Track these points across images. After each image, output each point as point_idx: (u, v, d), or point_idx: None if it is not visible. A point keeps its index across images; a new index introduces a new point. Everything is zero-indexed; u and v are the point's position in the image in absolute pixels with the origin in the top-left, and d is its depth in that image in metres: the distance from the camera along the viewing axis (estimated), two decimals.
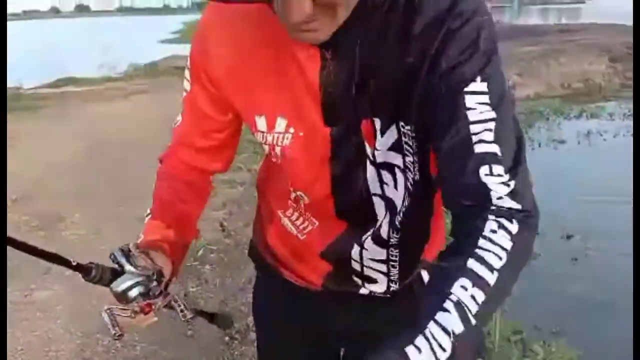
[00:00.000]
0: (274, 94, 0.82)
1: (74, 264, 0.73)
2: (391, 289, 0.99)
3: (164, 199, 0.96)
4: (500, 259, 0.65)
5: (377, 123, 0.79)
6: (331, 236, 0.95)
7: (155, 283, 0.75)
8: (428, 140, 0.77)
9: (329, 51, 0.76)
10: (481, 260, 0.64)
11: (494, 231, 0.66)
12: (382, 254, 0.94)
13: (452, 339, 0.59)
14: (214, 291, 2.95)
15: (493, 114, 0.69)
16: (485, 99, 0.69)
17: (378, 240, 0.92)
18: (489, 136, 0.68)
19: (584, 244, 3.46)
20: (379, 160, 0.83)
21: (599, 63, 8.98)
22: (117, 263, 0.74)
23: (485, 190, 0.68)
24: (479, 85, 0.69)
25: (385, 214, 0.90)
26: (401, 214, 0.89)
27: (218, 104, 0.90)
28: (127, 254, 0.74)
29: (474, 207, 0.69)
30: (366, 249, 0.93)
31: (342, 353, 1.17)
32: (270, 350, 1.21)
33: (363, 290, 1.00)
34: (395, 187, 0.86)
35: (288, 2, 0.63)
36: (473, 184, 0.68)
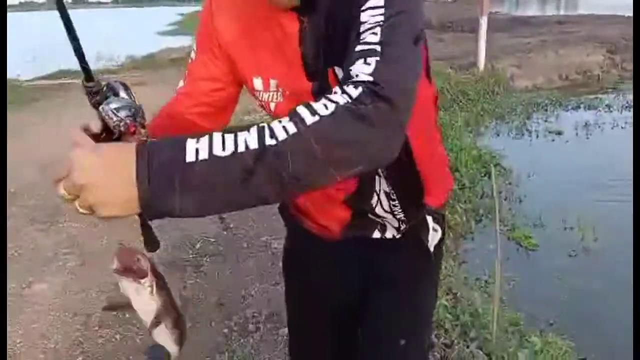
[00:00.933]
0: (267, 58, 0.96)
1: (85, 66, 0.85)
2: (401, 229, 1.09)
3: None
4: (327, 108, 0.65)
5: (338, 70, 0.87)
6: (351, 186, 1.03)
7: (141, 113, 0.80)
8: None
9: (305, 16, 0.88)
10: (308, 106, 0.66)
11: (336, 92, 0.68)
12: (386, 204, 1.05)
13: (237, 147, 0.62)
14: (213, 284, 2.95)
15: (381, 21, 0.73)
16: (379, 11, 0.74)
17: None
18: (372, 38, 0.72)
19: (582, 236, 3.47)
20: None
21: (597, 54, 8.97)
22: (112, 89, 0.83)
23: (349, 74, 0.70)
24: (373, 1, 0.75)
25: None
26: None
27: (223, 62, 1.01)
28: (124, 85, 0.83)
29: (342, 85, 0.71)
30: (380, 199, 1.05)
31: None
32: (299, 304, 1.36)
33: (376, 234, 1.11)
34: None
35: None
36: (347, 74, 0.71)
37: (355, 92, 0.66)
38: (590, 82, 8.45)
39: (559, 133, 5.88)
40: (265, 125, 0.64)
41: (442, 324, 2.43)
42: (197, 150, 0.62)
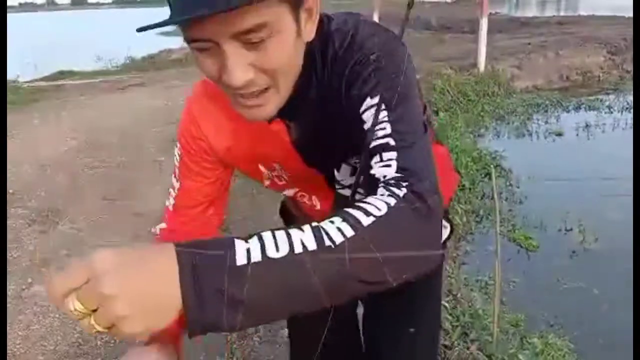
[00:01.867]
0: (264, 155, 1.01)
1: None
2: None
3: None
4: (379, 209, 0.63)
5: (343, 166, 0.98)
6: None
7: None
8: None
9: (289, 121, 0.92)
10: (358, 207, 0.63)
11: (382, 194, 0.67)
12: None
13: (293, 247, 0.56)
14: None
15: (385, 117, 0.75)
16: (377, 109, 0.76)
17: None
18: (382, 132, 0.74)
19: (582, 238, 3.46)
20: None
21: (597, 55, 8.96)
22: None
23: (374, 179, 0.71)
24: (368, 101, 0.77)
25: None
26: None
27: (216, 163, 1.02)
28: None
29: (367, 194, 0.71)
30: None
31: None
32: None
33: None
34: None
35: (229, 67, 0.71)
36: (366, 175, 0.74)
37: (398, 191, 0.66)
38: (591, 83, 8.44)
39: (560, 134, 5.87)
40: (320, 225, 0.60)
41: (442, 325, 2.42)
42: (248, 251, 0.55)
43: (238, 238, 0.57)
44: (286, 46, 0.74)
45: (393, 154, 0.71)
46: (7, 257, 3.34)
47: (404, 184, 0.67)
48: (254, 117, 0.81)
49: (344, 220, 0.61)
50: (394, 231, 0.62)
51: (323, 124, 0.90)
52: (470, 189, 4.20)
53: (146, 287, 0.52)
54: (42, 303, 2.86)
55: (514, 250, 3.39)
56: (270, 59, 0.72)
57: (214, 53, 0.71)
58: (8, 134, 6.14)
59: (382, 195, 0.66)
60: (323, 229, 0.59)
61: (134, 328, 0.52)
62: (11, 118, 7.13)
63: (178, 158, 1.03)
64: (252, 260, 0.55)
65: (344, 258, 0.58)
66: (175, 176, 1.04)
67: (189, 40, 0.72)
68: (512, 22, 14.83)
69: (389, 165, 0.71)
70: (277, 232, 0.58)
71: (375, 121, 0.75)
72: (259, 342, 2.45)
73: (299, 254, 0.56)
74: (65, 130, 6.25)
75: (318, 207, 1.14)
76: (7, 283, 3.03)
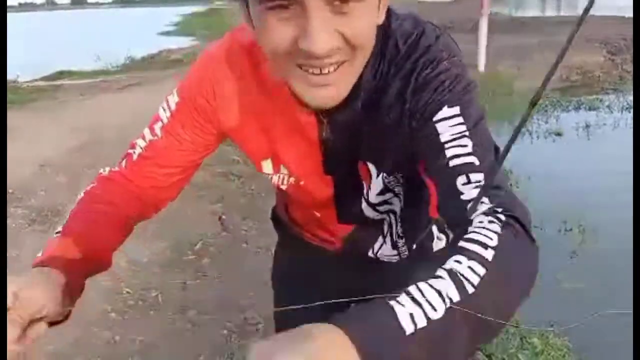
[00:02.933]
0: (278, 144, 0.90)
1: None
2: (402, 254, 1.10)
3: (82, 216, 0.88)
4: (492, 239, 0.61)
5: (371, 167, 0.89)
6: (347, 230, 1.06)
7: None
8: (414, 176, 0.84)
9: (324, 116, 0.82)
10: (471, 240, 0.61)
11: (481, 222, 0.64)
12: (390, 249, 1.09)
13: (445, 302, 0.54)
14: (213, 285, 2.95)
15: (465, 131, 0.72)
16: (456, 121, 0.73)
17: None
18: (463, 150, 0.71)
19: (582, 238, 3.46)
20: (371, 201, 0.96)
21: (597, 55, 8.97)
22: None
23: (462, 202, 0.68)
24: (446, 111, 0.74)
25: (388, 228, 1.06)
26: (398, 224, 1.05)
27: (212, 138, 0.92)
28: None
29: (457, 218, 0.68)
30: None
31: None
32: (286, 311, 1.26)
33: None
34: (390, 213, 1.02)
35: (312, 30, 0.63)
36: (452, 195, 0.70)
37: (499, 217, 0.64)
38: (591, 82, 8.44)
39: (559, 134, 5.87)
40: (453, 269, 0.57)
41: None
42: (412, 317, 0.52)
43: (391, 300, 0.54)
44: (371, 17, 0.69)
45: (480, 176, 0.69)
46: (10, 254, 3.34)
47: (499, 209, 0.65)
48: (321, 99, 0.72)
49: (470, 258, 0.58)
50: (511, 261, 0.62)
51: (367, 126, 0.83)
52: None
53: None
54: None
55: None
56: (357, 27, 0.66)
57: (293, 15, 0.64)
58: (11, 134, 6.14)
59: (482, 222, 0.64)
60: (459, 273, 0.57)
61: None
62: (11, 118, 7.13)
63: (169, 111, 0.90)
64: (418, 326, 0.52)
65: (483, 298, 0.56)
66: (154, 126, 0.91)
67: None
68: (512, 22, 14.84)
69: (478, 185, 0.68)
70: (423, 288, 0.55)
71: (454, 135, 0.71)
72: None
73: (450, 308, 0.54)
74: (65, 130, 6.24)
75: (318, 215, 1.06)
76: None
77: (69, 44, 20.11)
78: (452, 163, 0.71)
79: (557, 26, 13.13)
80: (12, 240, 3.53)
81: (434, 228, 1.10)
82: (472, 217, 0.66)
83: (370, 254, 1.10)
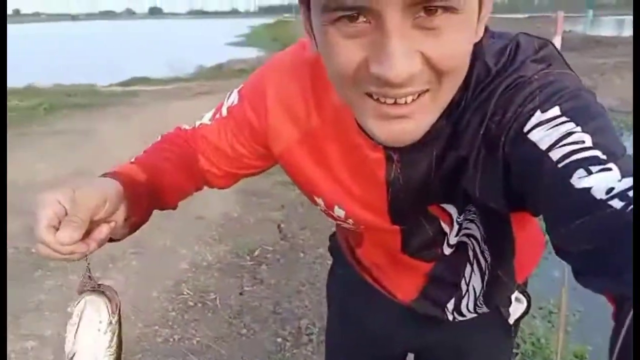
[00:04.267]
0: (335, 182, 0.77)
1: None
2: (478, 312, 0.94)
3: (155, 154, 0.87)
4: None
5: (452, 208, 0.73)
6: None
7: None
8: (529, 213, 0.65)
9: (395, 152, 0.68)
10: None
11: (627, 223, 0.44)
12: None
13: None
14: (269, 292, 2.98)
15: (575, 127, 0.54)
16: (557, 121, 0.56)
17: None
18: (577, 146, 0.52)
19: None
20: (451, 242, 0.81)
21: None
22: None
23: (585, 193, 0.48)
24: (539, 116, 0.58)
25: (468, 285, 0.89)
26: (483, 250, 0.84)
27: (256, 157, 0.84)
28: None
29: (585, 217, 0.47)
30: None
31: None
32: (340, 338, 1.18)
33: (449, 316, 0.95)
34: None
35: (389, 51, 0.50)
36: (571, 197, 0.49)
37: None
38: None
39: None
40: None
41: None
42: None
43: None
44: (466, 35, 0.54)
45: (607, 165, 0.49)
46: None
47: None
48: (395, 135, 0.58)
49: None
50: None
51: (444, 164, 0.67)
52: None
53: None
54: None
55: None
56: (446, 48, 0.52)
57: (365, 32, 0.52)
58: (90, 134, 6.50)
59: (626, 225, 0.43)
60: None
61: None
62: (89, 120, 7.54)
63: (228, 107, 0.85)
64: None
65: None
66: (212, 116, 0.89)
67: (328, 9, 0.52)
68: (586, 41, 14.30)
69: (609, 169, 0.48)
70: None
71: (560, 135, 0.54)
72: (312, 353, 2.45)
73: None
74: (138, 134, 6.53)
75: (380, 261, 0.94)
76: (75, 276, 3.18)
77: (144, 51, 21.08)
78: (561, 164, 0.52)
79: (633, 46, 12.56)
80: None
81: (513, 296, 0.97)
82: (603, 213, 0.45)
83: (447, 310, 0.93)
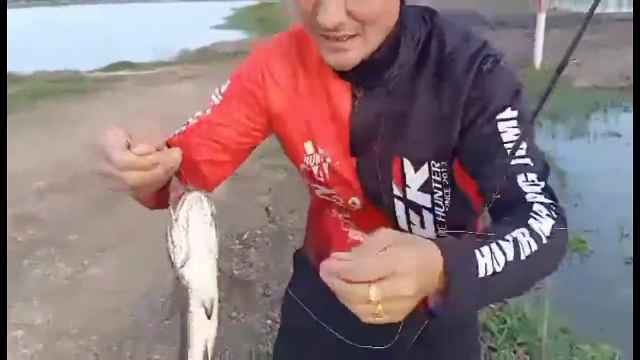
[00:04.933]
0: (317, 128, 0.93)
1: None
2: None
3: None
4: (548, 229, 0.71)
5: (407, 163, 0.89)
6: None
7: None
8: (463, 168, 0.85)
9: (359, 90, 0.88)
10: (534, 223, 0.71)
11: (541, 211, 0.73)
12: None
13: (505, 261, 0.65)
14: (258, 275, 3.00)
15: (521, 134, 0.78)
16: (515, 123, 0.79)
17: None
18: (521, 152, 0.77)
19: None
20: (408, 197, 0.92)
21: None
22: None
23: (522, 194, 0.76)
24: (509, 113, 0.80)
25: None
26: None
27: (258, 124, 0.95)
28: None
29: (513, 207, 0.75)
30: None
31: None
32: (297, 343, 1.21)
33: None
34: (423, 226, 0.95)
35: (324, 5, 0.73)
36: (511, 190, 0.76)
37: (552, 213, 0.73)
38: None
39: (618, 135, 5.64)
40: (516, 238, 0.68)
41: (487, 327, 2.38)
42: (485, 267, 0.65)
43: (474, 248, 0.65)
44: None
45: (534, 176, 0.77)
46: (68, 238, 3.50)
47: (554, 208, 0.74)
48: (337, 61, 0.81)
49: (531, 235, 0.69)
50: (557, 245, 0.73)
51: (411, 106, 0.86)
52: None
53: (425, 286, 0.59)
54: (97, 285, 2.98)
55: (566, 254, 3.29)
56: (366, 7, 0.74)
57: None
58: (76, 121, 6.43)
59: (541, 214, 0.72)
60: (520, 243, 0.68)
61: (398, 318, 0.58)
62: (76, 105, 7.45)
63: (219, 96, 0.95)
64: (487, 273, 0.64)
65: (529, 266, 0.68)
66: (205, 108, 0.95)
67: None
68: (571, 18, 14.30)
69: (536, 184, 0.76)
70: (491, 245, 0.66)
71: (514, 137, 0.78)
72: None
73: (508, 264, 0.66)
74: (125, 119, 6.47)
75: (358, 237, 1.02)
76: (64, 264, 3.17)
77: (127, 35, 20.77)
78: (512, 162, 0.76)
79: (619, 23, 12.59)
80: (73, 225, 3.70)
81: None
82: (532, 208, 0.73)
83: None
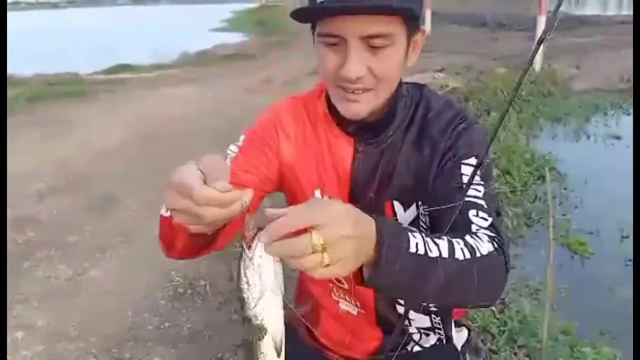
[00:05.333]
0: (325, 174, 1.06)
1: None
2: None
3: None
4: (486, 249, 0.82)
5: (397, 204, 1.03)
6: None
7: None
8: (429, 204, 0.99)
9: (360, 145, 1.03)
10: (473, 239, 0.82)
11: (484, 235, 0.85)
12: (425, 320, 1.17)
13: (438, 253, 0.75)
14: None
15: (481, 182, 0.94)
16: (475, 170, 0.94)
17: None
18: (478, 193, 0.92)
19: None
20: None
21: None
22: None
23: (469, 223, 0.89)
24: (472, 160, 0.96)
25: None
26: None
27: (271, 172, 1.07)
28: None
29: (457, 230, 0.87)
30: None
31: None
32: None
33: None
34: None
35: (348, 61, 0.87)
36: (460, 221, 0.89)
37: (494, 243, 0.84)
38: None
39: (619, 137, 5.64)
40: (452, 241, 0.78)
41: (488, 329, 2.38)
42: (417, 245, 0.73)
43: (409, 231, 0.75)
44: (397, 59, 0.92)
45: (485, 215, 0.90)
46: (68, 240, 3.50)
47: (497, 240, 0.86)
48: (350, 111, 0.95)
49: (466, 246, 0.79)
50: (491, 267, 0.81)
51: (400, 159, 1.02)
52: (521, 191, 4.10)
53: (359, 240, 0.66)
54: (97, 287, 2.98)
55: (567, 256, 3.29)
56: (383, 66, 0.90)
57: (339, 49, 0.89)
58: (75, 124, 6.43)
59: (482, 238, 0.84)
60: (455, 246, 0.78)
61: (341, 270, 0.64)
62: (74, 108, 7.45)
63: (237, 148, 1.05)
64: (419, 252, 0.73)
65: (461, 270, 0.77)
66: None
67: (320, 34, 0.90)
68: (570, 20, 14.32)
69: (485, 220, 0.90)
70: (427, 239, 0.76)
71: (471, 180, 0.92)
72: None
73: (442, 257, 0.75)
74: (123, 121, 6.47)
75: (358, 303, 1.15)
76: (65, 266, 3.17)
77: (127, 38, 20.79)
78: (468, 199, 0.91)
79: (618, 25, 12.61)
80: (73, 227, 3.69)
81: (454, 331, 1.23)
82: (473, 231, 0.87)
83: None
